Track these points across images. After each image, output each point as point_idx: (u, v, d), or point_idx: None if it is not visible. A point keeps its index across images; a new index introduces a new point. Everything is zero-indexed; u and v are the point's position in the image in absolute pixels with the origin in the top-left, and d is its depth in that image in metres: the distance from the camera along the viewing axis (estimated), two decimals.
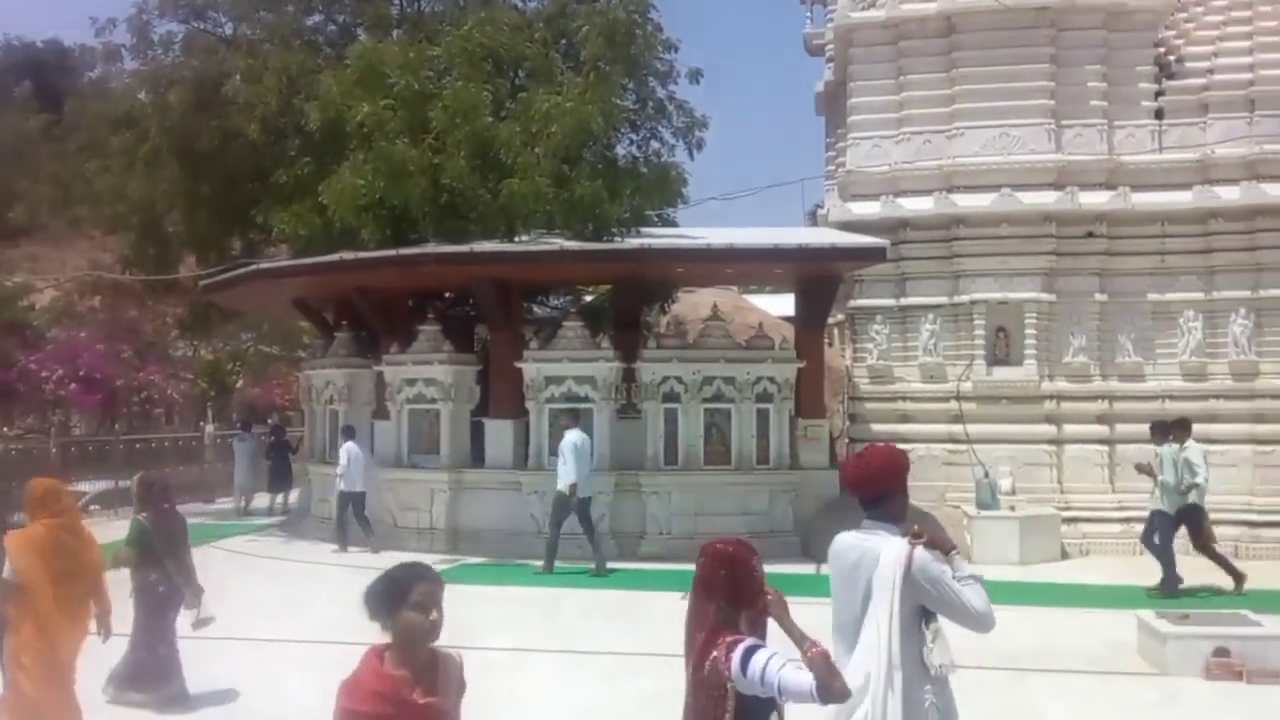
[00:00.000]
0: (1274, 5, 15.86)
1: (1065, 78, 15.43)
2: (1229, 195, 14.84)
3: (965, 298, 15.40)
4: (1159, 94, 15.50)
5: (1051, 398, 15.17)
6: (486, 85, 14.72)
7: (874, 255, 14.67)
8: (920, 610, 3.90)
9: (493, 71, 15.20)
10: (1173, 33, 16.23)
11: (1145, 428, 14.78)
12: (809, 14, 25.60)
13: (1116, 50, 15.46)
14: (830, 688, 3.26)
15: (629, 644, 9.32)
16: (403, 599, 3.21)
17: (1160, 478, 11.58)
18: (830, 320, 19.01)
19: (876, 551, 3.92)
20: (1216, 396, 14.90)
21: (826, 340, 20.39)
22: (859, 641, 3.90)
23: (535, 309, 19.62)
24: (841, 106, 17.10)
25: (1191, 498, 11.52)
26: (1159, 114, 15.45)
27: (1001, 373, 15.29)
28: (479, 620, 10.47)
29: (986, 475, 14.45)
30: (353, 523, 14.57)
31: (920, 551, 3.87)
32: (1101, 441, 15.03)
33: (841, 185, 16.67)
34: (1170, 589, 11.30)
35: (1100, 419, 15.04)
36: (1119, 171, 15.24)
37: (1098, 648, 9.26)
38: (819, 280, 15.42)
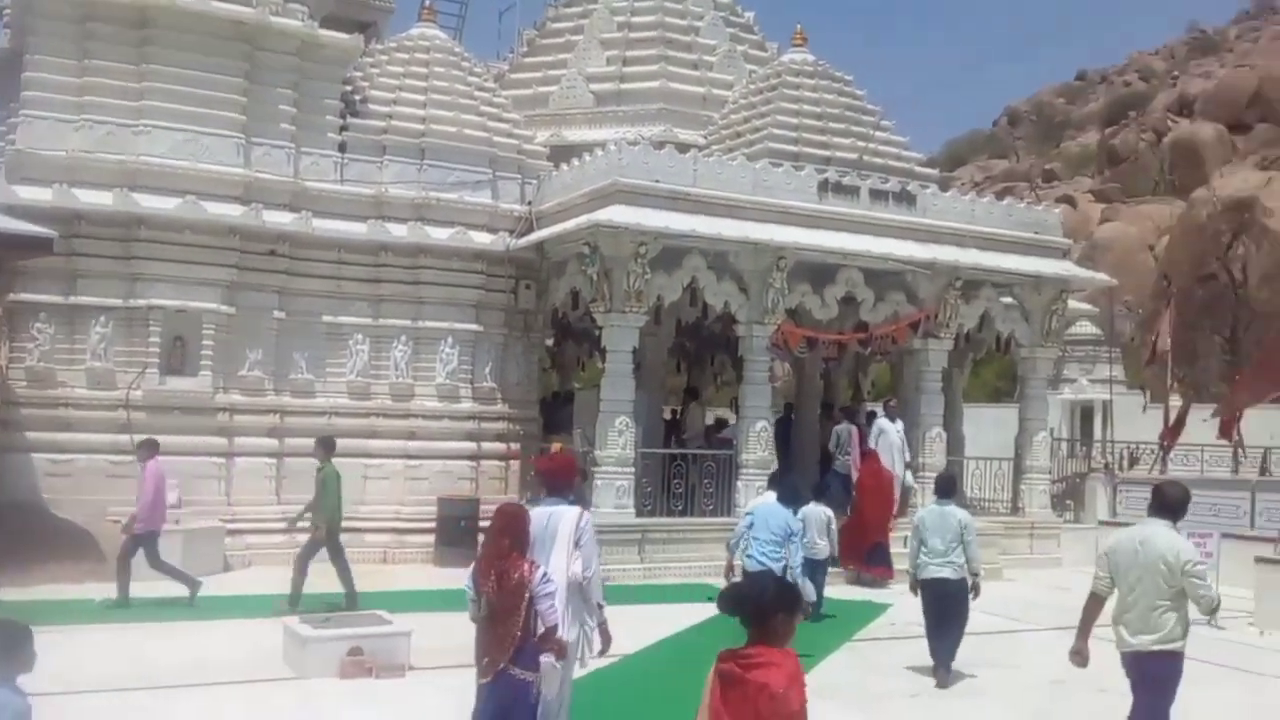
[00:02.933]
0: (446, 68, 17.89)
1: (258, 95, 15.66)
2: (399, 232, 16.33)
3: (142, 302, 14.78)
4: (344, 129, 16.50)
5: (225, 410, 15.22)
6: None
7: (40, 246, 13.39)
8: (576, 544, 6.38)
9: None
10: (360, 74, 17.46)
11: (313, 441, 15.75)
12: None
13: (308, 80, 16.13)
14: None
15: None
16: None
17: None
18: None
19: (560, 515, 6.39)
20: (378, 415, 16.24)
21: None
22: (549, 565, 6.09)
23: None
24: (17, 78, 15.35)
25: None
26: (343, 147, 16.44)
27: (176, 383, 14.93)
28: None
29: None
30: None
31: (588, 513, 6.51)
32: (271, 455, 15.46)
33: (10, 165, 14.92)
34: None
35: (272, 432, 15.48)
36: (303, 196, 15.90)
37: (247, 657, 9.47)
38: None
